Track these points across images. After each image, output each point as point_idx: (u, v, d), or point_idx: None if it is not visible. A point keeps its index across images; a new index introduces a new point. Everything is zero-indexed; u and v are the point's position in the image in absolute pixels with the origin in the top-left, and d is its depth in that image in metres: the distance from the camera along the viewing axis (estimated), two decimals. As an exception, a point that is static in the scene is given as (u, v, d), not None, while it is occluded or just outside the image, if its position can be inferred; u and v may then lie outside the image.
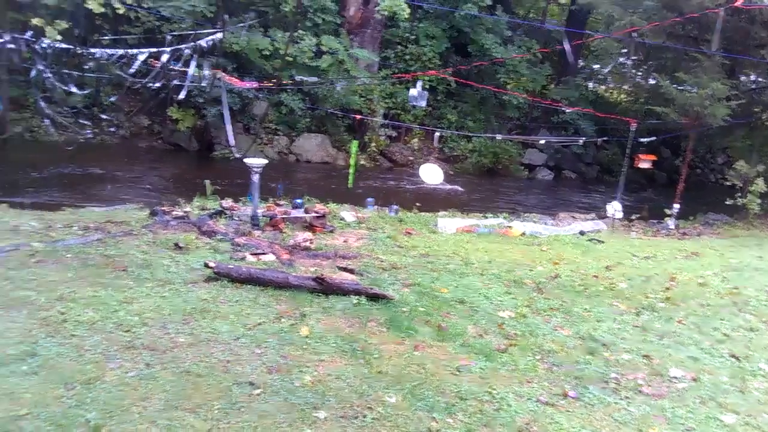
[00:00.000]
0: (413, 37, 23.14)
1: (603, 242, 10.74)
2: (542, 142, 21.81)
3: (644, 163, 14.67)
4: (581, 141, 16.99)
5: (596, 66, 27.86)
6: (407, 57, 23.09)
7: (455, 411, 4.22)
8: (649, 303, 7.07)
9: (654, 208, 14.91)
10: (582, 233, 11.40)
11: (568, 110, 21.59)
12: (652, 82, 20.63)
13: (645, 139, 14.44)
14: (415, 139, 23.08)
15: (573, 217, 13.72)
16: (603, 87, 29.36)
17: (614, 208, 12.29)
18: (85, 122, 17.96)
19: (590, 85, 27.98)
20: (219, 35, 14.83)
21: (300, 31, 19.83)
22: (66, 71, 13.94)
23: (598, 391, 4.71)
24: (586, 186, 22.81)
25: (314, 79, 19.29)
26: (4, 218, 8.80)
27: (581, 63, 27.90)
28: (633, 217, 14.00)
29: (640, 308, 6.86)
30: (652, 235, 12.55)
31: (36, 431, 3.56)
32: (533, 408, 4.38)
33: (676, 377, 5.09)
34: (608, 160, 24.67)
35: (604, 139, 18.84)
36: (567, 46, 13.57)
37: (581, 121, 23.43)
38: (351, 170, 12.90)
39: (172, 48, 13.63)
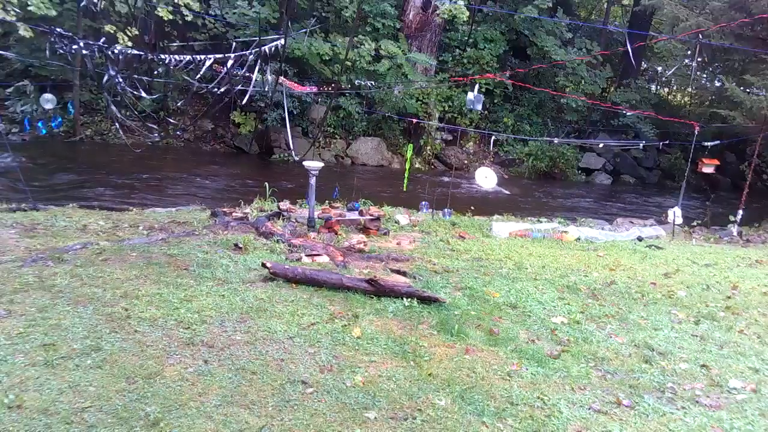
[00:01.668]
0: (471, 40, 23.07)
1: (662, 249, 10.47)
2: (601, 145, 21.39)
3: (707, 167, 14.19)
4: (641, 145, 16.57)
5: (659, 68, 27.16)
6: (465, 60, 23.04)
7: (505, 416, 4.22)
8: (709, 312, 6.88)
9: (717, 215, 14.42)
10: (640, 239, 11.13)
11: (628, 113, 21.12)
12: (717, 84, 20.00)
13: (709, 143, 13.97)
14: (471, 143, 23.02)
15: (631, 222, 13.40)
16: (666, 90, 28.58)
17: (674, 214, 11.94)
18: (153, 126, 18.66)
19: (652, 87, 27.27)
20: (282, 41, 15.13)
21: (359, 36, 20.05)
22: (136, 76, 14.49)
23: (653, 401, 4.62)
24: (646, 191, 22.24)
25: (372, 83, 19.49)
26: (74, 217, 9.23)
27: (644, 65, 27.21)
28: (694, 223, 13.60)
29: (700, 317, 6.68)
30: (714, 242, 12.13)
31: (98, 423, 3.70)
32: (585, 415, 4.34)
33: (735, 388, 4.94)
34: (670, 165, 24.03)
35: (666, 143, 18.33)
36: (630, 48, 13.27)
37: (642, 125, 22.91)
38: (406, 173, 12.96)
39: (237, 54, 13.99)
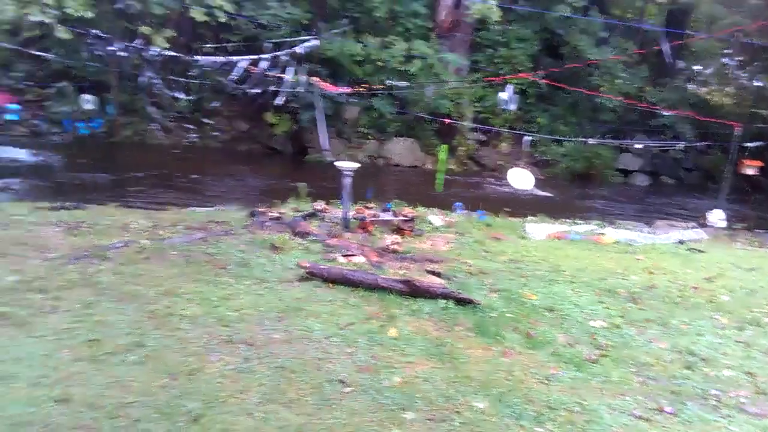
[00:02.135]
0: (504, 39, 22.90)
1: (703, 252, 10.26)
2: (638, 146, 21.02)
3: (749, 169, 13.88)
4: (680, 145, 16.22)
5: (697, 67, 26.58)
6: (497, 60, 22.87)
7: (544, 420, 4.18)
8: (754, 317, 6.72)
9: (760, 217, 14.06)
10: (681, 242, 10.92)
11: (666, 113, 20.73)
12: (758, 84, 19.50)
13: (750, 144, 13.64)
14: (504, 144, 22.84)
15: (671, 224, 13.16)
16: (704, 89, 27.96)
17: (716, 216, 11.68)
18: (190, 126, 18.94)
19: (690, 87, 26.71)
20: (314, 42, 15.25)
21: (391, 36, 20.05)
22: (172, 78, 14.75)
23: (697, 408, 4.54)
24: (686, 192, 21.79)
25: (404, 83, 19.49)
26: (115, 216, 9.42)
27: (681, 64, 26.68)
28: (737, 226, 13.27)
29: (744, 323, 6.53)
30: (758, 245, 11.82)
31: (142, 418, 3.78)
32: (626, 422, 4.27)
33: (782, 396, 4.82)
34: (710, 166, 23.50)
35: (706, 143, 17.92)
36: (666, 47, 12.96)
37: (680, 125, 22.44)
38: (439, 174, 12.92)
39: (271, 55, 14.15)
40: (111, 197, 11.39)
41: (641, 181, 23.08)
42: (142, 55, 12.38)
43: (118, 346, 4.67)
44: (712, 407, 4.59)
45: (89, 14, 10.44)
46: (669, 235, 11.54)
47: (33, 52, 15.56)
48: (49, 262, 6.56)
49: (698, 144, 18.22)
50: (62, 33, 9.91)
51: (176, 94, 14.95)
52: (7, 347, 4.51)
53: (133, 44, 12.54)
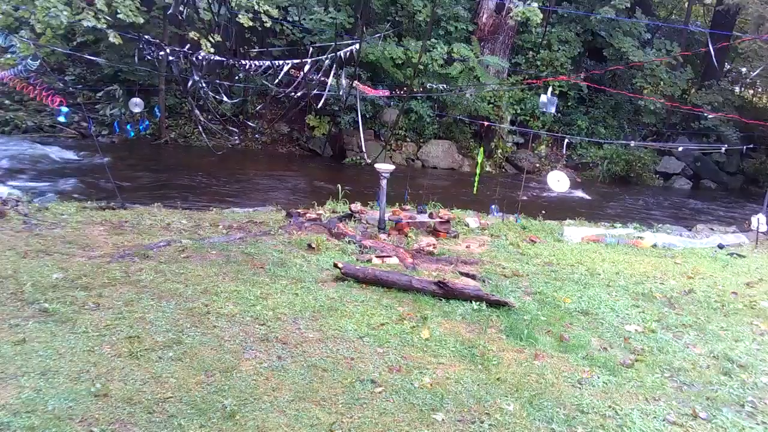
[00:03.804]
0: (545, 42, 22.70)
1: (744, 257, 10.03)
2: (680, 149, 20.56)
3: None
4: (723, 148, 15.78)
5: (743, 69, 25.90)
6: (538, 62, 22.69)
7: (575, 424, 4.18)
8: (795, 325, 6.56)
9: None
10: (721, 247, 10.69)
11: (710, 116, 20.22)
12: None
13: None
14: (543, 146, 22.64)
15: (711, 229, 12.88)
16: (751, 92, 27.22)
17: (759, 221, 11.38)
18: (233, 129, 19.29)
19: (737, 89, 26.01)
20: (357, 46, 15.35)
21: (432, 39, 20.07)
22: (218, 81, 15.03)
23: (732, 414, 4.48)
24: (729, 197, 21.29)
25: (444, 86, 19.49)
26: (158, 216, 9.68)
27: (727, 66, 26.01)
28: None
29: (784, 330, 6.38)
30: (804, 251, 11.49)
31: (178, 413, 3.89)
32: (659, 427, 4.24)
33: (822, 405, 4.72)
34: (754, 170, 22.90)
35: (750, 147, 17.39)
36: (712, 49, 12.68)
37: (724, 128, 21.90)
38: (476, 177, 12.90)
39: (314, 59, 14.32)
40: (155, 197, 11.67)
41: (682, 184, 22.60)
42: (190, 60, 12.66)
43: (156, 343, 4.81)
44: (748, 414, 4.53)
45: (140, 20, 10.73)
46: (709, 239, 11.32)
47: (85, 56, 16.06)
48: (93, 260, 6.79)
49: (742, 147, 17.71)
50: (114, 38, 10.17)
51: (221, 98, 15.23)
52: (50, 342, 4.68)
53: (182, 49, 12.84)
